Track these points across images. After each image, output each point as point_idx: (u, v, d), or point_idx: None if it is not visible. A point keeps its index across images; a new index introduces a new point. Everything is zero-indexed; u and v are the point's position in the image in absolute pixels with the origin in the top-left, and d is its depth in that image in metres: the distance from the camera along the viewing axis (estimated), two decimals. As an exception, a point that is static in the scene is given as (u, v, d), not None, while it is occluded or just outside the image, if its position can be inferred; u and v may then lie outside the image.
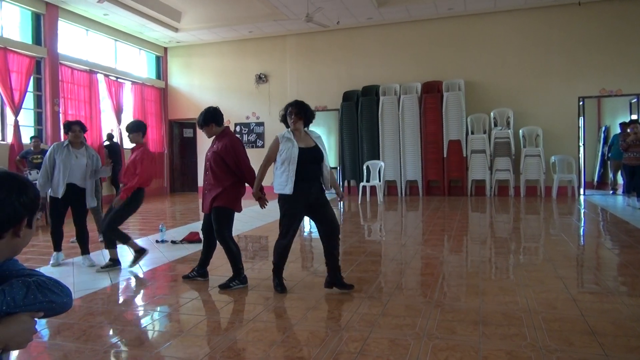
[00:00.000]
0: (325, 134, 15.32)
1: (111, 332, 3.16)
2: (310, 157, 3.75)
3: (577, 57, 10.71)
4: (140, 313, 3.59)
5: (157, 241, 6.20)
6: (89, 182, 5.01)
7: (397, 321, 3.14)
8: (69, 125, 5.01)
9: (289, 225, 3.76)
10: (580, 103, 10.84)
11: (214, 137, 4.14)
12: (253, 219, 7.75)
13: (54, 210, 4.99)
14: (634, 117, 10.93)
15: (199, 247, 5.13)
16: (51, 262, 5.01)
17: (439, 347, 2.70)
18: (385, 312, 3.32)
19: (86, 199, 5.00)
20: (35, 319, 1.19)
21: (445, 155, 11.14)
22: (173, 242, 6.12)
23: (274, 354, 2.68)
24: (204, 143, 13.08)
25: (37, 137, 8.63)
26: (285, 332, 3.01)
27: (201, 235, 6.21)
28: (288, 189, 3.66)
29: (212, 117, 4.10)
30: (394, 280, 4.21)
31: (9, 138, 9.10)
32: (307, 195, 3.72)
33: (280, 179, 3.72)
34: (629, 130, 8.53)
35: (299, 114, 3.78)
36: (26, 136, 9.22)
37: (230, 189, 4.00)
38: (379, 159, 11.44)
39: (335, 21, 11.27)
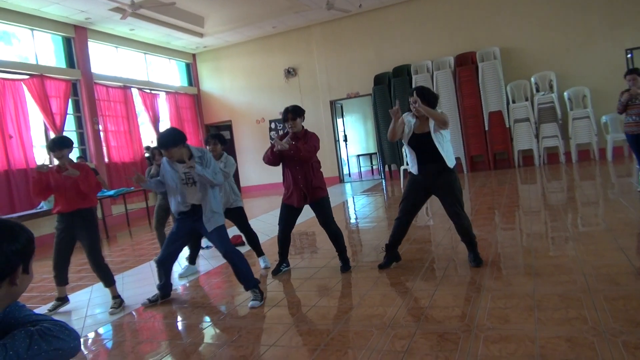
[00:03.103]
0: (361, 120, 15.14)
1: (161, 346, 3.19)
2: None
3: (619, 6, 9.96)
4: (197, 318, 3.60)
5: (201, 247, 6.25)
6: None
7: (446, 313, 2.99)
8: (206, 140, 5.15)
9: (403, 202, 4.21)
10: (629, 55, 10.11)
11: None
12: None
13: None
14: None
15: (243, 249, 5.13)
16: (180, 272, 5.02)
17: (490, 339, 2.54)
18: (433, 303, 3.18)
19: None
20: None
21: (486, 128, 10.71)
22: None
23: (319, 356, 2.61)
24: (242, 144, 13.18)
25: (82, 157, 8.96)
26: (329, 334, 2.92)
27: (244, 238, 6.22)
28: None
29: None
30: (440, 267, 4.04)
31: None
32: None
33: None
34: (628, 85, 6.08)
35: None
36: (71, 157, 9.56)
37: None
38: (417, 139, 11.12)
39: (358, 4, 11.00)
